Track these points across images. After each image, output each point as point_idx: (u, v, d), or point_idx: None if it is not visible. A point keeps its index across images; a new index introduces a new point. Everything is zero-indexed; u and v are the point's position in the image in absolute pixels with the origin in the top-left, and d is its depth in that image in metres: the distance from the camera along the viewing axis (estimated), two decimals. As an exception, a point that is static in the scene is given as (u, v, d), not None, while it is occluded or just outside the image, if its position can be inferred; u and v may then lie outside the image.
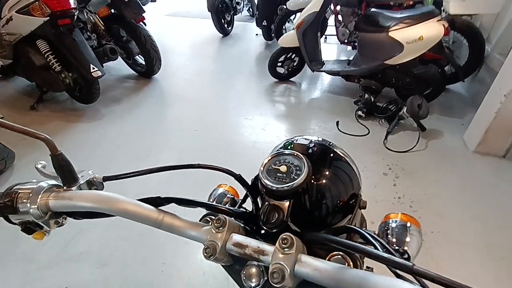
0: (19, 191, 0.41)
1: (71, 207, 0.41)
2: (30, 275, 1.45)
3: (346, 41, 3.39)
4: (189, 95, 3.09)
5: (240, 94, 3.11)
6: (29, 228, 0.41)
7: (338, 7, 3.21)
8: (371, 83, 2.58)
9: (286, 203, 0.41)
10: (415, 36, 2.27)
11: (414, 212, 1.71)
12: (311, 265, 0.34)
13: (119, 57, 2.90)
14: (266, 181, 0.42)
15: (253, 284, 0.38)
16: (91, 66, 2.43)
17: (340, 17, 3.29)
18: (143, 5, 2.99)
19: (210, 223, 0.41)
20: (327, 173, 0.48)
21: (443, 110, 2.67)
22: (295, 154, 0.45)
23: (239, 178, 0.48)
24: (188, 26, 5.41)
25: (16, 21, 2.36)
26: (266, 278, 0.38)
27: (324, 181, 0.47)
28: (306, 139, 0.52)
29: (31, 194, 0.41)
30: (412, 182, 1.93)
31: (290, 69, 3.18)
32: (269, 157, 0.46)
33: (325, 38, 4.31)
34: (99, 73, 2.47)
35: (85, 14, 2.86)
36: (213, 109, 2.84)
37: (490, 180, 1.93)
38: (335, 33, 3.43)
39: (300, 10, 3.13)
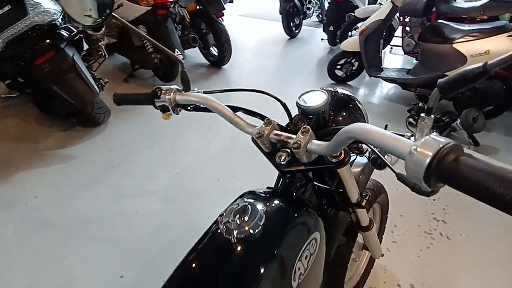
0: (162, 88, 0.72)
1: (185, 101, 0.71)
2: (113, 198, 1.89)
3: (410, 51, 3.41)
4: (252, 85, 3.42)
5: (297, 89, 3.35)
6: (164, 109, 0.72)
7: (407, 18, 3.26)
8: (427, 93, 2.61)
9: (311, 116, 0.65)
10: (481, 49, 2.27)
11: (446, 214, 1.77)
12: (318, 144, 0.58)
13: (197, 46, 3.38)
14: (301, 103, 0.67)
15: (282, 162, 0.63)
16: (176, 50, 2.91)
17: (407, 28, 3.33)
18: (225, 8, 3.45)
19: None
20: (340, 107, 0.71)
21: (505, 129, 2.58)
22: (321, 89, 0.69)
23: (284, 104, 0.73)
24: (258, 26, 5.83)
25: (125, 7, 2.94)
26: (290, 157, 0.63)
27: (337, 112, 0.70)
28: (332, 89, 0.75)
29: (167, 91, 0.71)
30: (451, 189, 1.96)
31: (348, 73, 3.32)
32: (305, 92, 0.70)
33: (391, 48, 4.33)
34: (181, 57, 2.93)
35: (176, 8, 3.39)
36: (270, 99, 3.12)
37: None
38: (400, 44, 3.47)
39: (367, 18, 3.26)
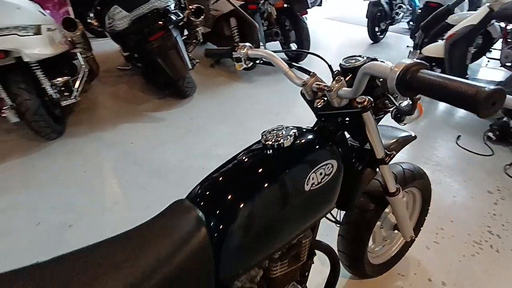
0: (239, 44, 0.97)
1: (254, 55, 0.94)
2: (186, 155, 2.28)
3: (509, 64, 3.08)
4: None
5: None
6: (238, 60, 0.97)
7: (510, 26, 2.96)
8: (516, 108, 2.38)
9: (350, 74, 0.81)
10: None
11: (504, 230, 1.65)
12: (346, 90, 0.74)
13: (278, 40, 3.65)
14: (342, 62, 0.84)
15: (319, 106, 0.81)
16: (260, 43, 3.23)
17: (510, 39, 3.02)
18: (310, 7, 3.65)
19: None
20: None
21: None
22: (363, 56, 0.84)
23: (330, 65, 0.90)
24: (342, 29, 5.86)
25: (222, 2, 3.38)
26: (325, 103, 0.80)
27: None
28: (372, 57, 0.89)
29: (242, 47, 0.96)
30: (520, 209, 1.80)
31: (427, 80, 3.17)
32: (349, 56, 0.86)
33: (488, 61, 3.92)
34: (263, 48, 3.25)
35: (266, 4, 3.73)
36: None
37: None
38: (498, 57, 3.16)
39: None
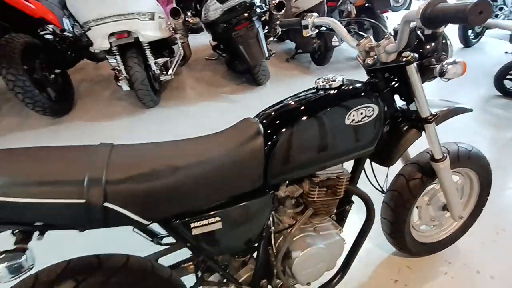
0: (307, 14, 1.16)
1: (320, 23, 1.12)
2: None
3: None
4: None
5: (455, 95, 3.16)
6: (305, 27, 1.17)
7: None
8: None
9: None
10: None
11: None
12: (393, 45, 0.87)
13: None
14: (396, 26, 0.96)
15: (369, 62, 0.96)
16: (334, 37, 3.35)
17: None
18: (391, 7, 3.62)
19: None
20: (430, 36, 0.95)
21: None
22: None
23: (382, 29, 1.02)
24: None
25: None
26: (375, 59, 0.94)
27: (427, 40, 0.95)
28: None
29: (309, 16, 1.15)
30: None
31: (523, 86, 2.85)
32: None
33: None
34: (337, 43, 3.36)
35: (346, 3, 3.81)
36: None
37: None
38: None
39: None
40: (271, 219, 0.92)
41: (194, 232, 0.77)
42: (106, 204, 0.63)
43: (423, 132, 1.05)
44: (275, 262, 0.95)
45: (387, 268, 1.42)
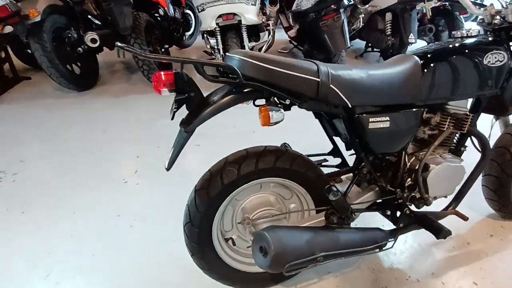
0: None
1: None
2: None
3: None
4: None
5: None
6: None
7: None
8: None
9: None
10: None
11: None
12: None
13: (429, 37, 3.84)
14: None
15: (496, 22, 1.19)
16: (411, 34, 3.53)
17: None
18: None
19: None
20: None
21: None
22: None
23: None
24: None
25: (380, -1, 3.82)
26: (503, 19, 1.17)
27: None
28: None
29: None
30: None
31: None
32: None
33: None
34: (413, 41, 3.54)
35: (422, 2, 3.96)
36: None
37: None
38: None
39: None
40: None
41: (370, 126, 1.05)
42: (331, 85, 0.94)
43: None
44: (414, 174, 1.19)
45: (482, 225, 1.57)
